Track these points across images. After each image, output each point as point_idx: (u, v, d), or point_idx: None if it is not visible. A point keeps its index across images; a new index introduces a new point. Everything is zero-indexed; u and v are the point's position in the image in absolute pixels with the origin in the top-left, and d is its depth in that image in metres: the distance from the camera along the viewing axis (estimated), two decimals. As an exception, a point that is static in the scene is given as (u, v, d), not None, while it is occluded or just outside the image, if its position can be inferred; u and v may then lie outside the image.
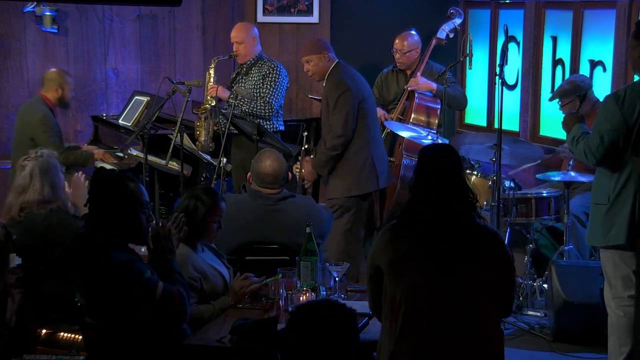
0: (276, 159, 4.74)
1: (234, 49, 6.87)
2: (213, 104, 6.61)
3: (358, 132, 6.02)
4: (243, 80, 6.85)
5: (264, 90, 6.72)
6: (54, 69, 6.93)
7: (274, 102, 6.71)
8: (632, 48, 4.52)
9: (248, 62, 6.85)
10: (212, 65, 6.77)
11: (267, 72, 6.74)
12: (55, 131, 6.57)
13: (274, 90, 6.72)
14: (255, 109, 6.67)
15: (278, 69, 6.78)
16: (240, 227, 4.61)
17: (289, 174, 4.85)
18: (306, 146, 6.28)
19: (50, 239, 4.55)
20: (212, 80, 6.73)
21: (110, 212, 3.54)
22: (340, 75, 5.96)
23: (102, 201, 3.56)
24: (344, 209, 5.98)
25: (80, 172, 5.06)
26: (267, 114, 6.70)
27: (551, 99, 6.37)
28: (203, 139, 6.56)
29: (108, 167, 6.86)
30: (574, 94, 5.99)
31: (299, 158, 6.35)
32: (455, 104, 7.09)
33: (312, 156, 6.22)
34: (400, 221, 3.37)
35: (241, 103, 6.68)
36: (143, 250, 4.72)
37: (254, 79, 6.78)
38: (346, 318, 2.74)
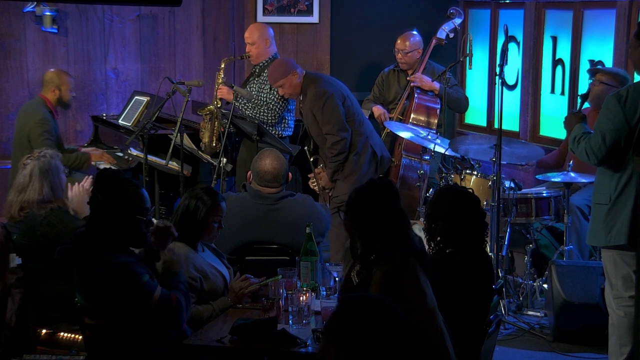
0: (276, 158, 4.75)
1: (247, 50, 6.86)
2: (218, 106, 6.59)
3: (355, 131, 6.11)
4: (256, 81, 6.84)
5: (270, 97, 6.70)
6: (52, 70, 6.92)
7: (278, 109, 6.69)
8: (634, 48, 4.52)
9: (261, 64, 6.83)
10: (222, 67, 6.74)
11: None
12: (52, 134, 6.53)
13: (280, 98, 6.66)
14: (259, 115, 6.65)
15: None
16: (241, 227, 4.61)
17: (289, 174, 4.85)
18: (312, 159, 6.34)
19: (51, 239, 4.55)
20: (221, 80, 6.71)
21: (110, 215, 3.54)
22: (317, 85, 6.10)
23: (104, 203, 3.56)
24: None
25: (86, 178, 5.03)
26: (270, 121, 6.68)
27: (593, 70, 6.26)
28: (207, 140, 6.54)
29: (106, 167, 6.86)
30: (618, 83, 5.94)
31: (310, 175, 6.42)
32: (457, 105, 7.09)
33: (321, 165, 6.33)
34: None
35: (244, 107, 6.67)
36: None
37: (264, 83, 6.75)
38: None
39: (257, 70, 6.87)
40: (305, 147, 6.45)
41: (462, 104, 7.12)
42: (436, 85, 6.95)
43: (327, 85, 6.11)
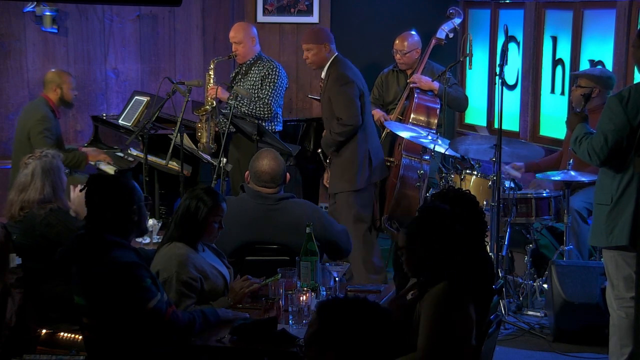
0: (274, 159, 4.73)
1: (233, 49, 6.85)
2: (213, 106, 6.59)
3: (360, 127, 6.14)
4: (242, 80, 6.85)
5: (263, 92, 6.71)
6: (53, 70, 6.94)
7: (273, 104, 6.70)
8: (637, 47, 4.52)
9: (247, 62, 6.84)
10: (212, 67, 6.75)
11: (266, 73, 6.73)
12: (52, 132, 6.55)
13: (273, 92, 6.70)
14: (254, 111, 6.66)
15: (277, 70, 6.76)
16: (241, 227, 4.59)
17: (287, 175, 4.82)
18: (327, 161, 6.43)
19: (50, 239, 4.55)
20: (212, 81, 6.71)
21: (108, 216, 3.56)
22: (342, 69, 6.16)
23: (100, 204, 3.58)
24: (347, 205, 6.09)
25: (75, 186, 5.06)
26: (266, 116, 6.69)
27: (576, 74, 6.27)
28: (205, 140, 6.55)
29: (106, 167, 6.87)
30: (598, 85, 5.94)
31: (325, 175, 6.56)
32: (456, 104, 7.09)
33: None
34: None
35: (240, 104, 6.67)
36: (146, 240, 4.80)
37: (253, 80, 6.77)
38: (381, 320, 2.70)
39: (243, 69, 6.87)
40: (319, 151, 6.49)
41: (461, 103, 7.12)
42: (435, 85, 6.94)
43: (350, 73, 6.16)
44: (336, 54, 6.26)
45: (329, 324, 2.54)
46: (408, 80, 7.07)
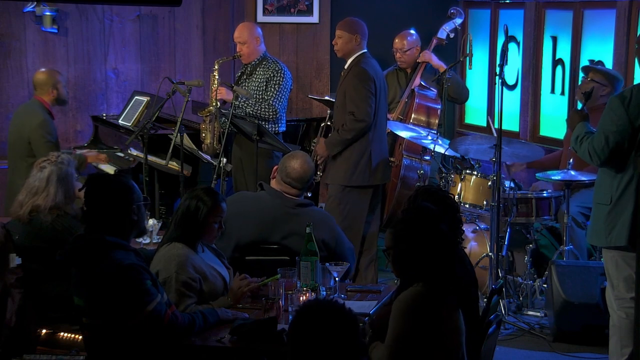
0: (308, 162, 4.75)
1: (238, 49, 6.84)
2: (218, 106, 6.58)
3: (371, 126, 6.09)
4: (247, 80, 6.83)
5: (268, 94, 6.69)
6: (42, 70, 6.78)
7: (277, 105, 6.69)
8: None
9: (252, 62, 6.82)
10: (216, 67, 6.73)
11: (272, 74, 6.70)
12: (53, 135, 6.50)
13: (278, 94, 6.67)
14: (259, 111, 6.65)
15: (282, 72, 6.73)
16: (257, 224, 4.57)
17: (313, 183, 4.82)
18: (328, 123, 6.37)
19: (55, 243, 4.54)
20: (216, 82, 6.69)
21: (108, 215, 3.57)
22: (364, 65, 6.12)
23: (100, 204, 3.59)
24: (338, 199, 6.06)
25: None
26: (270, 117, 6.67)
27: (591, 68, 6.25)
28: (209, 141, 6.55)
29: (106, 167, 6.87)
30: (610, 84, 5.93)
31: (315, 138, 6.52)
32: (459, 92, 7.05)
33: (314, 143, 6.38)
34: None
35: (245, 105, 6.66)
36: (146, 240, 4.80)
37: (258, 81, 6.75)
38: (348, 323, 2.76)
39: (248, 70, 6.85)
40: (329, 111, 6.44)
41: (463, 91, 7.11)
42: (443, 65, 6.97)
43: (372, 71, 6.11)
44: (365, 50, 6.22)
45: (299, 326, 2.71)
46: (418, 60, 7.09)
